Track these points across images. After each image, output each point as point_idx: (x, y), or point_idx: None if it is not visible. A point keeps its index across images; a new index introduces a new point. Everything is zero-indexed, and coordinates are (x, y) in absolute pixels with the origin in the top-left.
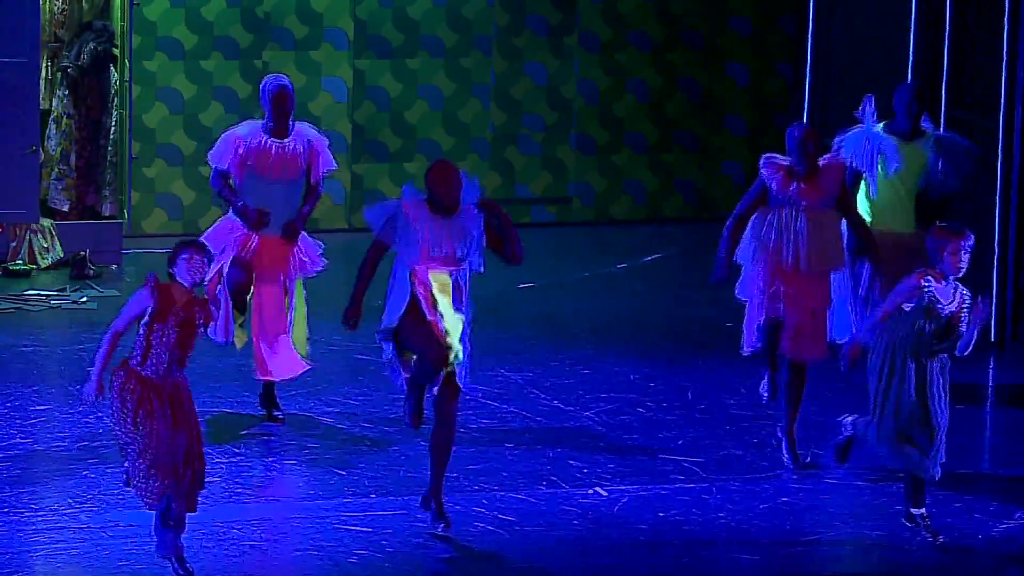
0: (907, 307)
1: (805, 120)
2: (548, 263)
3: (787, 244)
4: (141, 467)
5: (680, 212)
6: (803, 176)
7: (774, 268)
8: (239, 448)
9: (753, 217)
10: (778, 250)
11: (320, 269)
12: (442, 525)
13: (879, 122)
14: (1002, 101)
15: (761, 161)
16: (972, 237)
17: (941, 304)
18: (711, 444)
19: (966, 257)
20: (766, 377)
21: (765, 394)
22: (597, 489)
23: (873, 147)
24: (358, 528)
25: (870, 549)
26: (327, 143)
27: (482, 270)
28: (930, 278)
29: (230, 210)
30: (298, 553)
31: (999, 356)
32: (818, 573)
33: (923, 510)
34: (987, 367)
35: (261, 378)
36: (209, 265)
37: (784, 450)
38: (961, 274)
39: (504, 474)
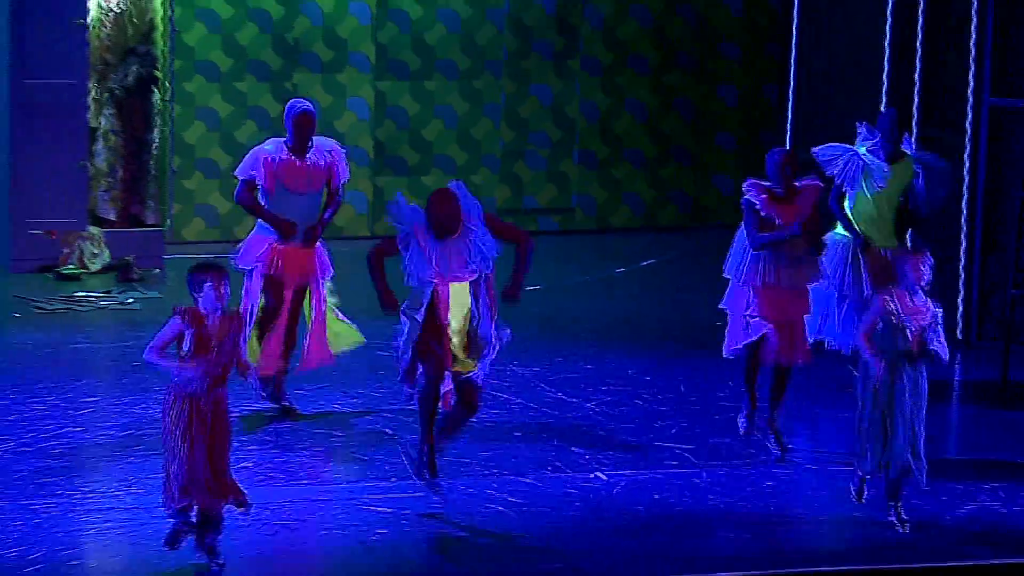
0: (879, 325)
1: (788, 136)
2: (553, 268)
3: (767, 261)
4: (171, 480)
5: (675, 221)
6: (782, 198)
7: (753, 287)
8: (270, 437)
9: (737, 235)
10: (757, 268)
11: (331, 275)
12: (427, 472)
13: (863, 144)
14: (968, 120)
15: (745, 185)
16: (930, 255)
17: (907, 318)
18: (701, 433)
19: (927, 272)
20: (744, 412)
21: (743, 427)
22: (597, 474)
23: (858, 167)
24: (379, 509)
25: (846, 527)
26: (344, 153)
27: (495, 254)
28: (894, 296)
29: (257, 224)
30: (325, 532)
31: (965, 354)
32: (799, 549)
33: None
34: (953, 364)
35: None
36: (228, 287)
37: (769, 440)
38: (924, 286)
39: (513, 460)
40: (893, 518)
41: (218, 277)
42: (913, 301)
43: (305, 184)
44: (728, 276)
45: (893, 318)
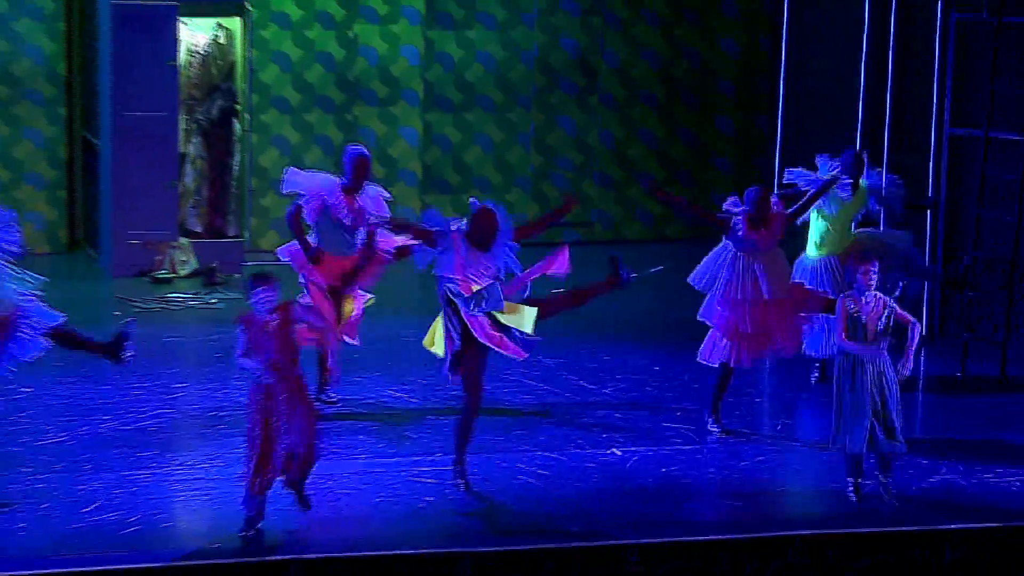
0: (849, 326)
1: (777, 160)
2: (575, 274)
3: (746, 279)
4: (250, 462)
5: (679, 234)
6: (759, 225)
7: (733, 300)
8: (335, 420)
9: (712, 253)
10: (734, 285)
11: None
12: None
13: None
14: (932, 147)
15: (729, 203)
16: (876, 261)
17: (864, 316)
18: (702, 416)
19: (874, 275)
20: (712, 420)
21: (716, 431)
22: (613, 450)
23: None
24: (427, 480)
25: (826, 497)
26: (386, 199)
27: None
28: (850, 299)
29: (313, 235)
30: (379, 499)
31: (929, 348)
32: (786, 515)
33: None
34: (919, 358)
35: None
36: (275, 292)
37: (712, 424)
38: (872, 288)
39: (541, 438)
40: (881, 491)
41: (266, 285)
42: (865, 299)
43: (351, 220)
44: (694, 285)
45: (854, 315)
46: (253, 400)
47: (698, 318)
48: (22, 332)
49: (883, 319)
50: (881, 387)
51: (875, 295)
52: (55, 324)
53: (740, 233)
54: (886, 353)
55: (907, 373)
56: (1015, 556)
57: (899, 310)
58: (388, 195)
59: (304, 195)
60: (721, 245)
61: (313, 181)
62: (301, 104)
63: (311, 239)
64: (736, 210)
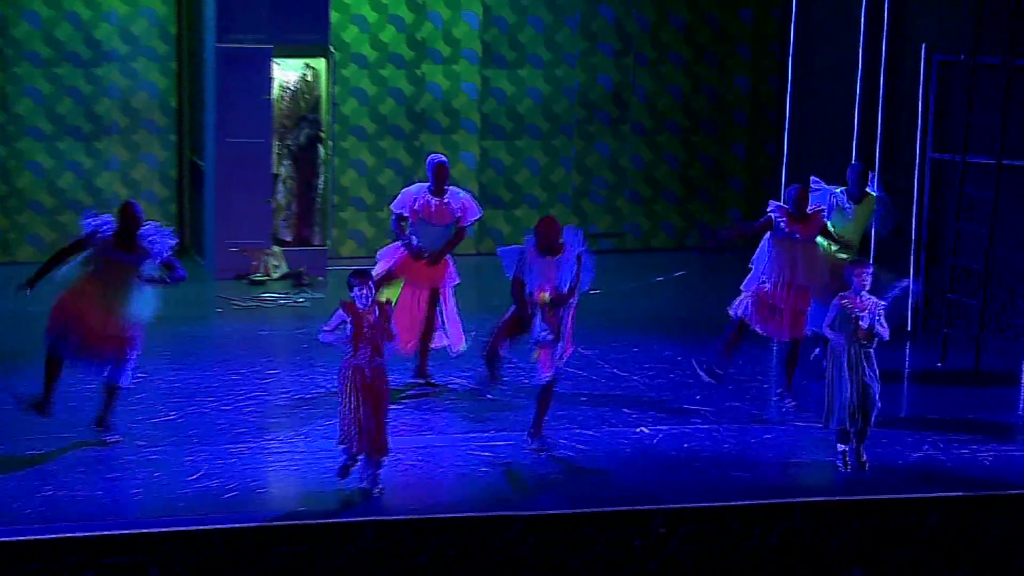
0: (840, 320)
1: (783, 181)
2: (609, 278)
3: (787, 263)
4: (344, 428)
5: (699, 244)
6: (798, 219)
7: (773, 279)
8: (406, 402)
9: (761, 246)
10: (777, 265)
11: (457, 282)
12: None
13: (828, 188)
14: (916, 169)
15: (771, 206)
16: (871, 266)
17: (859, 313)
18: (719, 398)
19: (868, 278)
20: (709, 363)
21: (720, 373)
22: (642, 428)
23: (834, 203)
24: (485, 453)
25: (824, 468)
26: (473, 200)
27: (565, 288)
28: (847, 298)
29: (398, 240)
30: (442, 469)
31: (913, 343)
32: (791, 484)
33: (848, 447)
34: (904, 352)
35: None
36: (372, 290)
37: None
38: (866, 289)
39: (580, 418)
40: (852, 459)
41: (365, 281)
42: (861, 299)
43: (439, 219)
44: (751, 266)
45: (848, 312)
46: (343, 379)
47: (741, 289)
48: (122, 361)
49: (872, 316)
50: (861, 376)
51: (868, 296)
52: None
53: (783, 226)
54: (871, 350)
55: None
56: (986, 520)
57: (883, 313)
58: (472, 198)
59: (401, 206)
60: (765, 239)
61: (408, 193)
62: (376, 132)
63: (413, 239)
64: (776, 208)
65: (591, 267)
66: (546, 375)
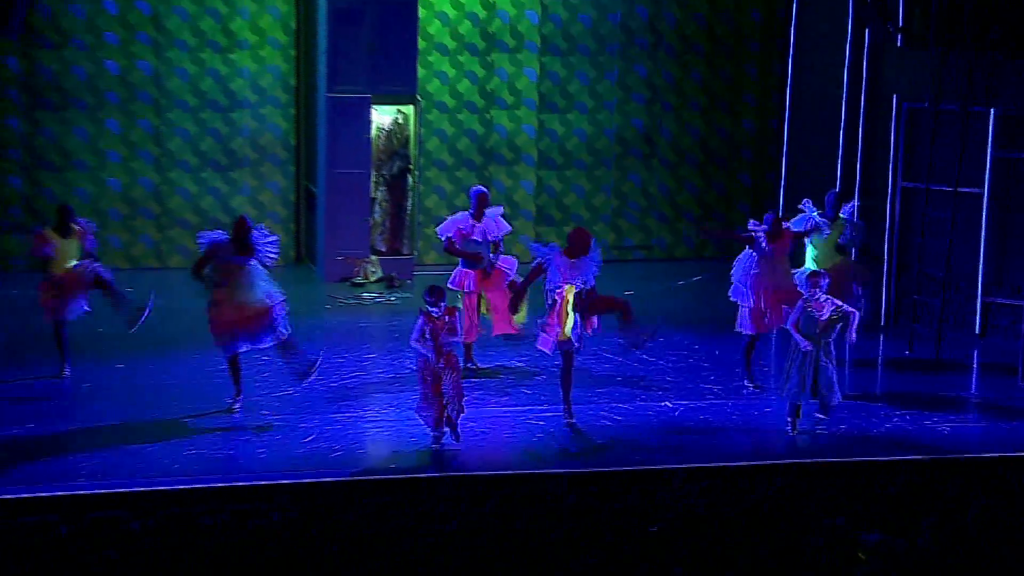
0: (803, 319)
1: (781, 205)
2: (640, 282)
3: (768, 275)
4: (423, 402)
5: (712, 255)
6: (774, 239)
7: (759, 290)
8: (468, 381)
9: (739, 259)
10: (760, 278)
11: (511, 279)
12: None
13: (815, 210)
14: (888, 195)
15: (751, 224)
16: (827, 276)
17: (818, 313)
18: (729, 379)
19: (824, 283)
20: (747, 379)
21: (750, 386)
22: (666, 403)
23: (813, 224)
24: (536, 422)
25: (814, 436)
26: (501, 216)
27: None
28: (809, 300)
29: (460, 262)
30: (506, 436)
31: (885, 335)
32: (788, 448)
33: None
34: (877, 343)
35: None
36: (444, 301)
37: (747, 382)
38: (823, 291)
39: (615, 393)
40: (817, 427)
41: (439, 294)
42: (819, 301)
43: (480, 235)
44: (732, 279)
45: (809, 312)
46: (421, 367)
47: (729, 296)
48: (276, 324)
49: (829, 313)
50: (817, 360)
51: (826, 296)
52: (285, 335)
53: (763, 244)
54: (830, 340)
55: (853, 341)
56: (945, 479)
57: (844, 306)
58: (501, 210)
59: (446, 230)
60: (744, 253)
61: (453, 220)
62: (453, 164)
63: (491, 258)
64: (758, 228)
65: (599, 262)
66: (548, 352)
